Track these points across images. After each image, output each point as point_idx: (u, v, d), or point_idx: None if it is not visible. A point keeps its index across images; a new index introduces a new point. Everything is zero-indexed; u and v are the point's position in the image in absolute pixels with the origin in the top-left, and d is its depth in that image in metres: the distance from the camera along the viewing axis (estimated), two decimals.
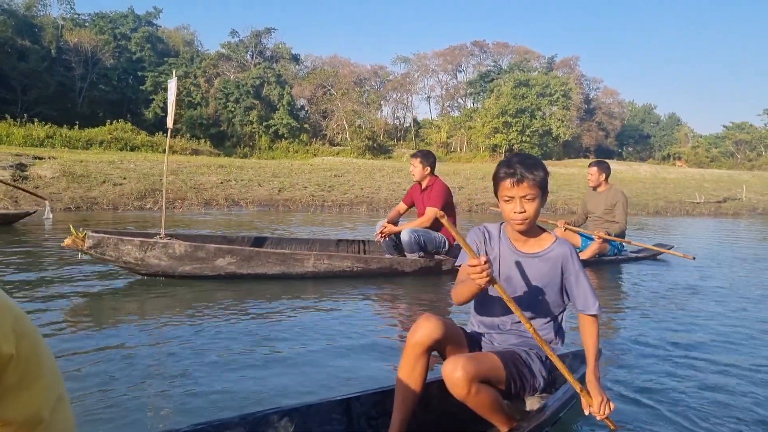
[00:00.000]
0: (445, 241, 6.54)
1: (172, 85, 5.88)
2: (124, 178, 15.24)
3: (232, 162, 23.12)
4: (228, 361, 3.45)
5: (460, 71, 69.15)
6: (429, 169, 6.61)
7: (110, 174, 15.46)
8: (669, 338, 4.26)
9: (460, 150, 54.74)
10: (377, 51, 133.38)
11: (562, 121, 52.31)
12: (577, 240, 7.94)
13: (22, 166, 14.16)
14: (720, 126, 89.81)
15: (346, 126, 56.51)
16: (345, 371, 3.34)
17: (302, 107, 60.14)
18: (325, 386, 3.07)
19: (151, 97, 52.45)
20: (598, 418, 2.18)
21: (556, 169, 29.93)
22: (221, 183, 16.77)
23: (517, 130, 51.99)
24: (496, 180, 2.30)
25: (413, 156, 6.76)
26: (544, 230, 2.46)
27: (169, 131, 6.16)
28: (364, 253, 7.15)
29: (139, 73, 53.35)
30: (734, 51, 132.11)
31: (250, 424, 1.97)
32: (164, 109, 51.95)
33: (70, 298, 4.82)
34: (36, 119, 30.98)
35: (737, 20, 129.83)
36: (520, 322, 2.31)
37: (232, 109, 52.95)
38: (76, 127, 31.56)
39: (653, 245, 8.51)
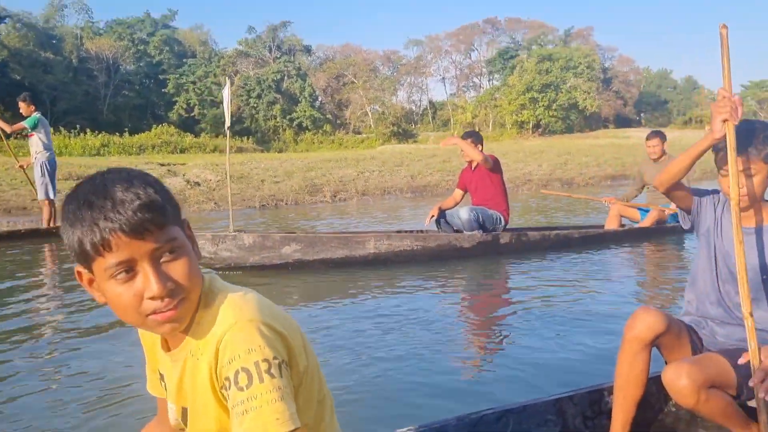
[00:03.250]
0: (500, 218, 6.59)
1: (227, 91, 6.11)
2: (275, 177, 15.74)
3: (312, 156, 23.62)
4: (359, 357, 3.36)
5: (474, 50, 68.39)
6: (480, 146, 6.63)
7: (258, 174, 15.93)
8: None
9: (486, 128, 54.27)
10: (389, 36, 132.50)
11: (588, 93, 51.50)
12: (636, 214, 7.81)
13: (172, 173, 14.84)
14: (738, 86, 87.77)
15: (369, 114, 56.35)
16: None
17: (317, 98, 60.10)
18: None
19: (174, 99, 52.88)
20: None
21: (595, 140, 29.54)
22: (358, 175, 17.00)
23: (543, 105, 51.38)
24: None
25: (467, 136, 6.78)
26: None
27: (228, 133, 6.51)
28: None
29: (161, 77, 53.77)
30: (748, 8, 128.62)
31: (468, 426, 1.94)
32: (188, 110, 52.44)
33: None
34: (65, 128, 31.41)
35: None
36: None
37: (255, 105, 53.14)
38: (103, 133, 32.07)
39: None
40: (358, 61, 61.98)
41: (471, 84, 69.53)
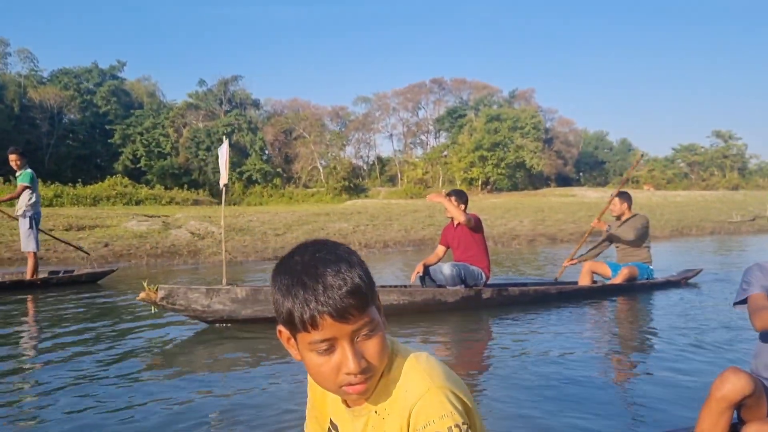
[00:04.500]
0: (481, 274, 6.68)
1: (225, 148, 6.12)
2: (275, 230, 16.07)
3: (269, 209, 24.05)
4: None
5: (421, 108, 70.23)
6: (463, 206, 6.74)
7: (257, 227, 16.24)
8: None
9: (436, 185, 55.14)
10: (336, 92, 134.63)
11: (535, 153, 53.23)
12: (607, 270, 7.93)
13: (171, 226, 15.08)
14: (669, 149, 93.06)
15: (320, 168, 56.55)
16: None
17: (266, 152, 60.06)
18: None
19: (120, 150, 51.90)
20: None
21: (543, 198, 30.48)
22: (354, 229, 17.21)
23: (492, 163, 52.81)
24: None
25: (448, 194, 6.84)
26: None
27: (223, 189, 6.46)
28: None
29: (107, 127, 52.83)
30: (680, 75, 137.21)
31: None
32: (134, 161, 51.46)
33: (147, 348, 5.02)
34: (3, 177, 30.27)
35: (681, 46, 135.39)
36: None
37: (204, 158, 52.63)
38: (56, 183, 31.16)
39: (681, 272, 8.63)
40: (308, 116, 62.55)
41: (418, 141, 71.27)
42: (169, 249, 13.09)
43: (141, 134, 52.53)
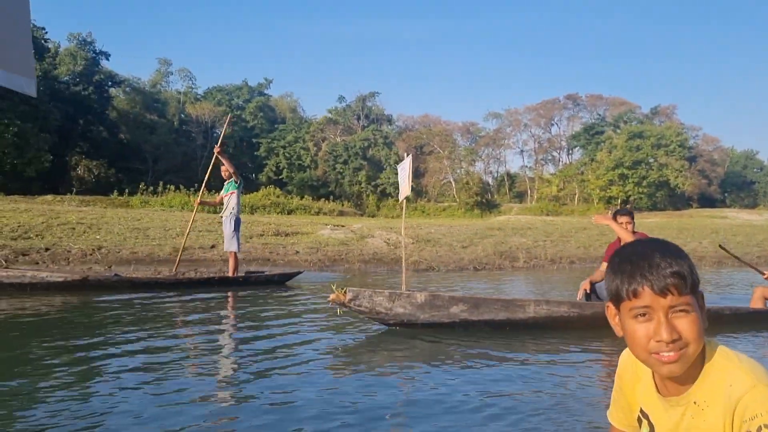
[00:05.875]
0: None
1: (408, 162, 6.59)
2: (460, 242, 17.04)
3: (421, 221, 25.54)
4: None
5: (553, 124, 68.74)
6: (631, 225, 6.70)
7: (440, 238, 17.31)
8: None
9: (572, 202, 53.67)
10: (467, 108, 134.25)
11: (680, 171, 50.41)
12: None
13: (365, 236, 16.36)
14: None
15: (453, 183, 56.86)
16: None
17: None
18: None
19: (264, 162, 55.14)
20: None
21: (702, 219, 28.70)
22: (533, 244, 17.83)
23: (633, 182, 50.83)
24: None
25: (620, 214, 6.85)
26: None
27: (403, 201, 7.06)
28: None
29: (254, 140, 56.36)
30: None
31: None
32: (276, 173, 54.47)
33: (331, 348, 5.30)
34: (167, 186, 33.15)
35: None
36: None
37: (341, 171, 54.73)
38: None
39: None
40: (440, 131, 63.19)
41: (550, 157, 69.79)
42: (373, 256, 14.02)
43: (284, 147, 55.56)
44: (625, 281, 1.34)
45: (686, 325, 1.31)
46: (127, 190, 32.93)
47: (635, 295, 1.33)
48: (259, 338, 5.56)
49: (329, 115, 60.87)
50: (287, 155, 55.34)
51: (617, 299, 1.38)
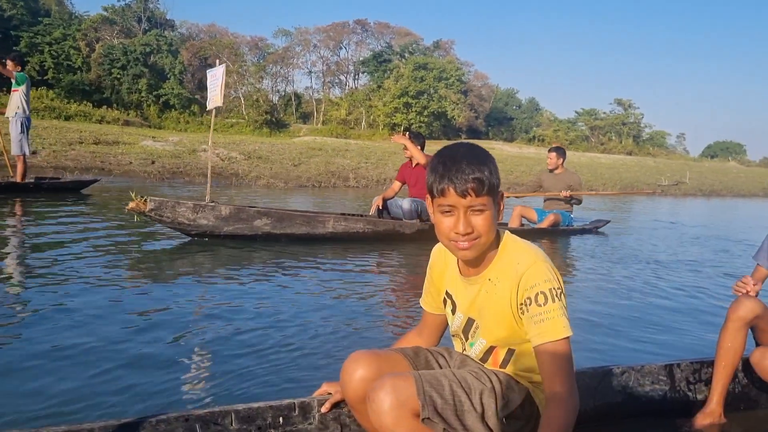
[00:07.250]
0: None
1: (221, 70, 6.28)
2: (290, 160, 17.59)
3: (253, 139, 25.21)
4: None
5: (342, 48, 69.46)
6: (420, 147, 7.28)
7: (271, 156, 17.58)
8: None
9: (358, 127, 55.27)
10: (255, 22, 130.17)
11: (457, 104, 54.26)
12: (534, 215, 8.91)
13: (197, 151, 16.00)
14: (572, 111, 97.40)
15: (242, 99, 55.24)
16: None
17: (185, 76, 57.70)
18: None
19: (26, 59, 48.39)
20: None
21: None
22: (358, 165, 18.98)
23: (416, 111, 53.58)
24: None
25: (409, 136, 7.38)
26: None
27: (213, 112, 6.80)
28: None
29: (12, 32, 48.95)
30: (591, 39, 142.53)
31: (600, 375, 2.33)
32: (41, 73, 48.24)
33: (129, 255, 5.29)
34: None
35: (596, 10, 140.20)
36: None
37: (118, 76, 50.01)
38: None
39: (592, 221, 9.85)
40: (229, 44, 60.43)
41: (337, 80, 70.69)
42: (213, 170, 13.47)
43: (50, 44, 49.05)
44: (436, 181, 1.60)
45: (480, 221, 1.60)
46: None
47: (442, 194, 1.59)
48: (47, 246, 5.27)
49: (105, 13, 54.72)
50: (53, 54, 49.01)
51: (431, 194, 1.65)
